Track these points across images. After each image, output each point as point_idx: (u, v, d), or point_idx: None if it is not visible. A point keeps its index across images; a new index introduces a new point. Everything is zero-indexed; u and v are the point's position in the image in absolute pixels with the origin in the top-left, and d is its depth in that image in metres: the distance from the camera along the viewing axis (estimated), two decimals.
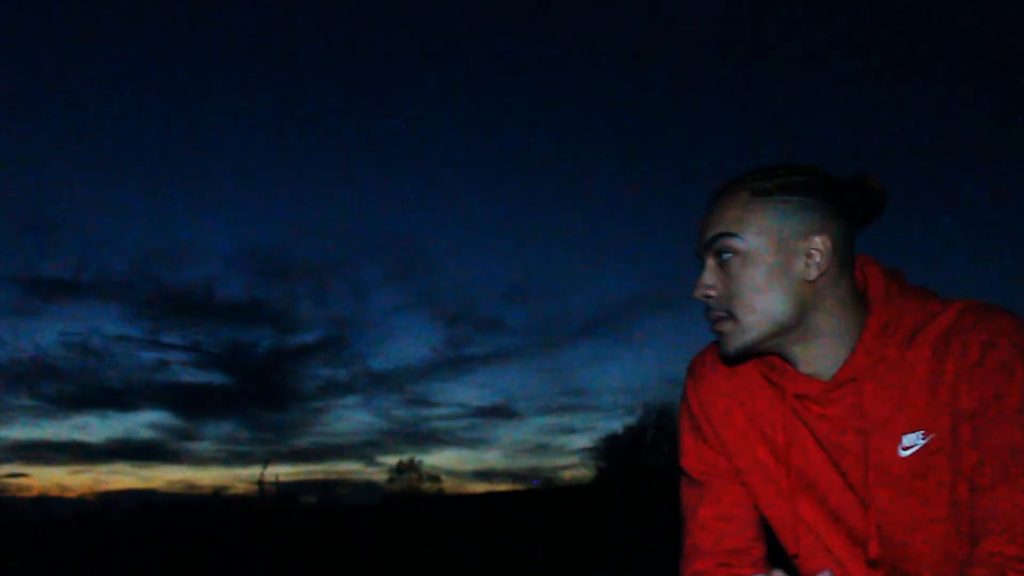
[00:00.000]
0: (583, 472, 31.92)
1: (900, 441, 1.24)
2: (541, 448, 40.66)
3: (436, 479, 31.51)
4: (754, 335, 1.26)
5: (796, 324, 1.26)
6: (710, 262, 1.29)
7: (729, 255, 1.25)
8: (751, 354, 1.33)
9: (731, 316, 1.27)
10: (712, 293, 1.28)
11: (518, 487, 29.57)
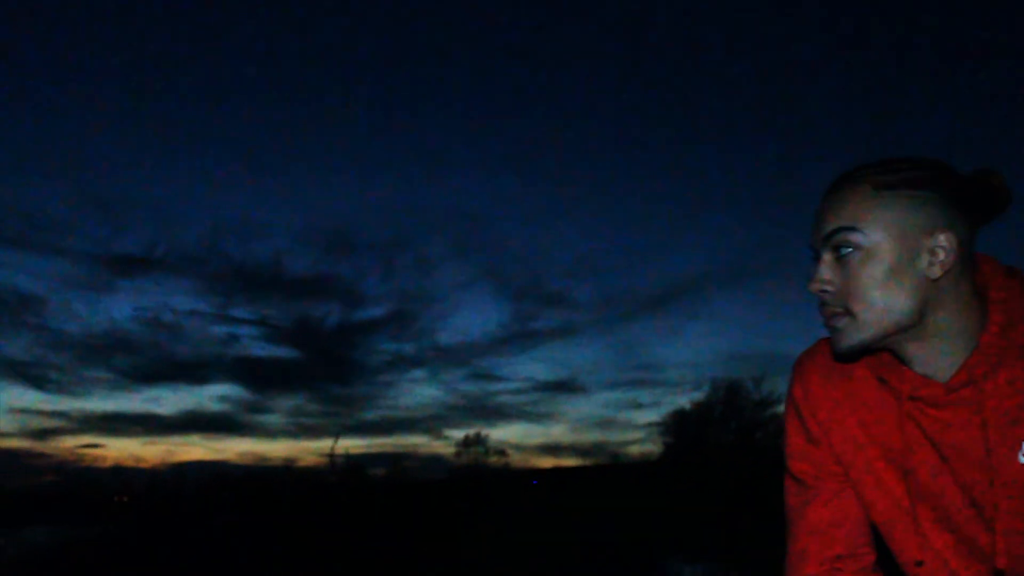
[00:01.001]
0: (649, 447, 31.88)
1: (1021, 447, 1.18)
2: (607, 423, 40.72)
3: (502, 453, 31.76)
4: (871, 332, 1.21)
5: (915, 323, 1.21)
6: (827, 256, 1.24)
7: (849, 250, 1.21)
8: (865, 352, 1.29)
9: (848, 312, 1.22)
10: (829, 288, 1.23)
11: (584, 462, 29.66)
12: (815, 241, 1.26)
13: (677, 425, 29.87)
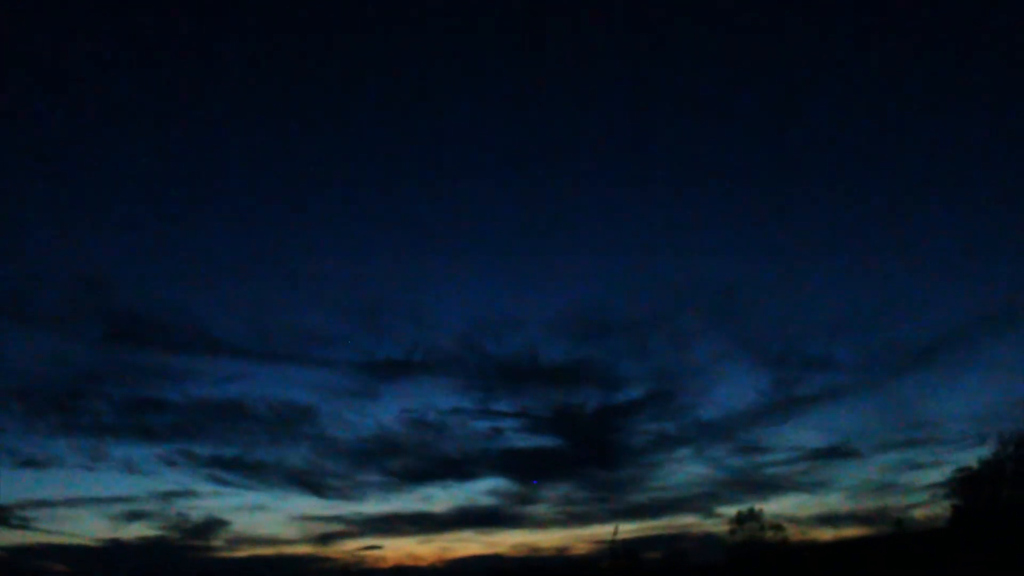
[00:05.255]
0: (937, 511, 29.90)
1: None
2: (887, 487, 38.36)
3: (779, 527, 30.84)
4: None
5: None
6: None
7: None
8: None
9: None
10: None
11: (866, 530, 28.27)
12: None
13: (965, 485, 27.92)
